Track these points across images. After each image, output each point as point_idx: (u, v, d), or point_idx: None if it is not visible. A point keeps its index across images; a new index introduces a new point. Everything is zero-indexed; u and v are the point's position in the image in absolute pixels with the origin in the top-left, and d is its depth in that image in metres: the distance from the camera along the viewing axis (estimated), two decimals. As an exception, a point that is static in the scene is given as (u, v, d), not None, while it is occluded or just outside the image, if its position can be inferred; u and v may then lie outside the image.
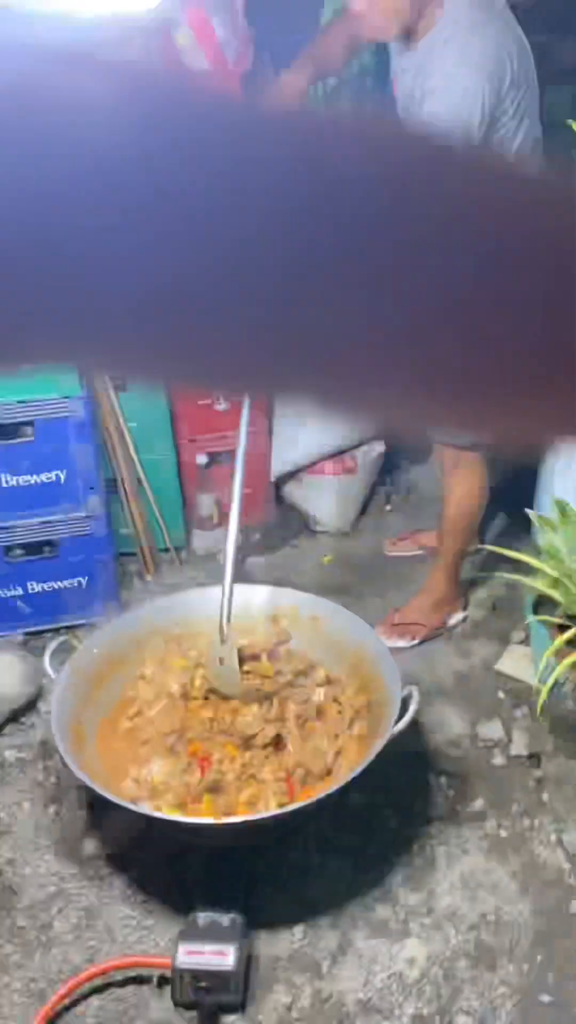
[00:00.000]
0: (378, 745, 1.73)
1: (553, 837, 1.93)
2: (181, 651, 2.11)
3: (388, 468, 3.19)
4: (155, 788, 1.76)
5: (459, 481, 2.32)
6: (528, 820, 1.97)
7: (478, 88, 1.79)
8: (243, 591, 2.20)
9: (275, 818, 1.70)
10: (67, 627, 2.58)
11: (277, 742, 1.87)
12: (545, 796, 2.02)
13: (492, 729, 2.17)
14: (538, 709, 2.10)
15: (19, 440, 2.32)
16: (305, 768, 1.79)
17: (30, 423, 2.31)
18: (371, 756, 1.71)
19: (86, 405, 2.32)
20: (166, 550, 2.85)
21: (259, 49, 2.52)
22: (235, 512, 2.01)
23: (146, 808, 1.70)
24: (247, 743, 1.84)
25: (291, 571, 2.85)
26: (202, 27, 2.37)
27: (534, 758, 2.10)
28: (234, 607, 2.18)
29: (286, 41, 2.76)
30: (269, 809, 1.71)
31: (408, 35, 1.92)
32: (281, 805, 1.71)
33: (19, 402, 2.28)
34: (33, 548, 2.46)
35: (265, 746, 1.84)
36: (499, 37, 1.83)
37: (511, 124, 1.91)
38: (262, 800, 1.73)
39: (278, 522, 3.00)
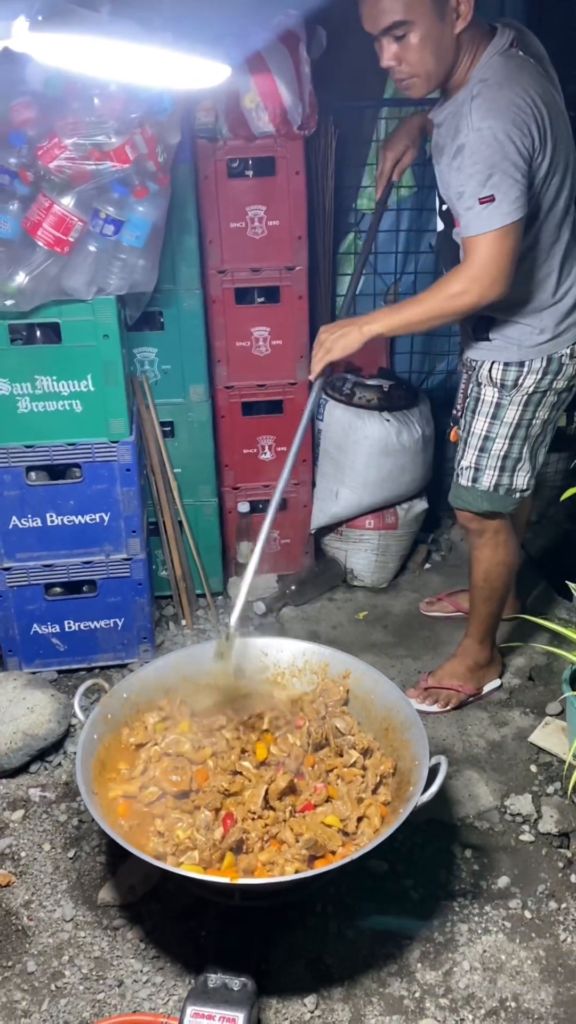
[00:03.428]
0: (403, 814, 1.69)
1: (580, 923, 1.86)
2: (197, 703, 2.08)
3: (429, 526, 3.18)
4: (179, 844, 1.74)
5: (483, 548, 2.29)
6: (555, 903, 1.91)
7: (506, 135, 1.82)
8: (276, 644, 2.20)
9: (293, 882, 1.67)
10: (100, 667, 2.60)
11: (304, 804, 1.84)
12: (573, 878, 1.95)
13: (522, 804, 2.11)
14: (570, 787, 2.05)
15: (67, 481, 2.37)
16: (322, 841, 1.75)
17: (78, 465, 2.35)
18: (395, 825, 1.68)
19: (133, 450, 2.36)
20: (203, 595, 2.87)
21: (324, 113, 2.58)
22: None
23: (166, 864, 1.68)
24: (268, 802, 1.81)
25: (325, 624, 2.84)
26: (269, 91, 2.44)
27: (564, 837, 2.04)
28: (266, 661, 2.18)
29: (351, 107, 2.84)
30: (288, 872, 1.68)
31: (443, 90, 1.97)
32: (299, 870, 1.68)
33: (69, 444, 2.33)
34: (73, 587, 2.50)
35: (287, 808, 1.81)
36: (528, 91, 1.86)
37: (552, 180, 1.92)
38: (282, 862, 1.70)
39: (316, 573, 2.99)
